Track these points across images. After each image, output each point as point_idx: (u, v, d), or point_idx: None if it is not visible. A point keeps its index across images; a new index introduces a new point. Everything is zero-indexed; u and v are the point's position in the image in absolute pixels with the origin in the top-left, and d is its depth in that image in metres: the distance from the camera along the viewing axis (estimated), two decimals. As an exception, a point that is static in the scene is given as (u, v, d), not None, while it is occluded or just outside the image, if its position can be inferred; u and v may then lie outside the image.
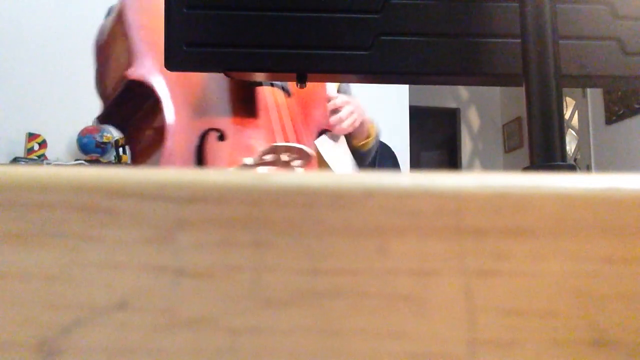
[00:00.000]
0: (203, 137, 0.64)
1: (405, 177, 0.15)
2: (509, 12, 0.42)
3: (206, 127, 0.65)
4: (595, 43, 0.42)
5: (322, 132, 0.79)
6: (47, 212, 0.14)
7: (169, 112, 0.64)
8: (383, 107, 2.66)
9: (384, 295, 0.14)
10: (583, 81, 0.43)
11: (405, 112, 2.81)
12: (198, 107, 0.66)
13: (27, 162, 2.18)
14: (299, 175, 0.15)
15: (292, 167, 0.64)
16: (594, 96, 3.57)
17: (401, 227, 0.14)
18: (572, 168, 0.34)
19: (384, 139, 1.41)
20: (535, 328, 0.14)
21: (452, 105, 4.86)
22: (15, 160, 2.21)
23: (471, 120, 4.85)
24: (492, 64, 0.42)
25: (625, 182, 0.15)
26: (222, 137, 0.66)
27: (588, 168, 3.61)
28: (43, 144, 2.28)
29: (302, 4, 0.41)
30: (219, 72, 0.46)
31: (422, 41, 0.42)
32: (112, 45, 0.73)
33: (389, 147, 1.41)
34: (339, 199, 0.14)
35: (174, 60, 0.41)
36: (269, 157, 0.61)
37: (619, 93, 3.33)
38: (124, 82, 0.65)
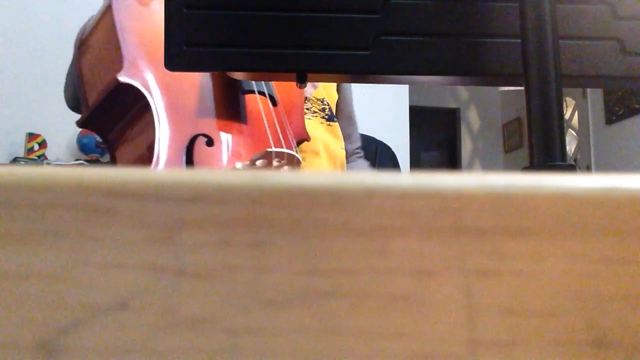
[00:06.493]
0: (191, 143, 0.65)
1: (406, 177, 0.15)
2: (509, 12, 0.42)
3: (195, 132, 0.66)
4: (595, 43, 0.42)
5: (300, 142, 0.80)
6: (47, 212, 0.14)
7: (159, 118, 0.64)
8: (383, 107, 2.66)
9: (384, 295, 0.14)
10: (583, 81, 0.43)
11: (405, 112, 2.81)
12: (186, 113, 0.67)
13: (27, 162, 2.18)
14: (299, 175, 0.15)
15: None
16: (594, 96, 3.57)
17: (401, 227, 0.14)
18: (572, 168, 0.34)
19: (384, 139, 1.41)
20: (535, 328, 0.14)
21: (452, 105, 4.86)
22: (15, 160, 2.20)
23: (471, 120, 4.85)
24: (492, 64, 0.42)
25: (625, 182, 0.15)
26: (210, 143, 0.66)
27: (588, 168, 3.60)
28: (43, 144, 2.28)
29: (302, 4, 0.41)
30: (219, 72, 0.46)
31: (422, 41, 0.42)
32: (98, 47, 0.72)
33: (389, 147, 1.40)
34: (339, 199, 0.14)
35: (174, 60, 0.41)
36: (260, 163, 0.62)
37: (619, 93, 3.32)
38: (113, 85, 0.65)
